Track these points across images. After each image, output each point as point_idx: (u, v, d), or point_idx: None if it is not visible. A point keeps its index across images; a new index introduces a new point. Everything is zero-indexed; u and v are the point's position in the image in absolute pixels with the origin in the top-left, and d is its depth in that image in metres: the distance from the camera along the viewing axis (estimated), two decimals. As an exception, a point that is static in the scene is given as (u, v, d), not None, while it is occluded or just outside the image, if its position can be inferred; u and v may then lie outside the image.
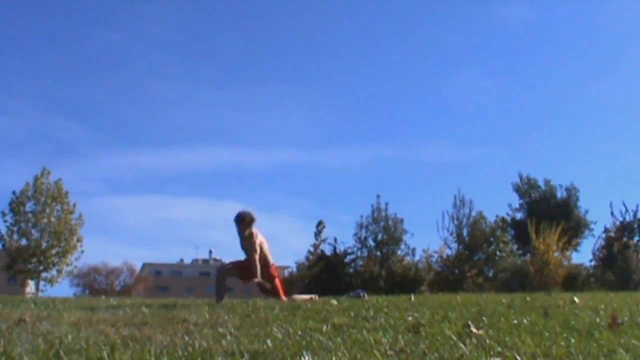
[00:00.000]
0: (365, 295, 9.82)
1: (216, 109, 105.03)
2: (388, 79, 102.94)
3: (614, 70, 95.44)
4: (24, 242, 31.89)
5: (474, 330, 4.09)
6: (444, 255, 30.24)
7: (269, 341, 3.68)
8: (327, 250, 30.61)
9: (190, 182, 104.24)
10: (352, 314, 5.95)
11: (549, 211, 32.70)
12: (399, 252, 30.21)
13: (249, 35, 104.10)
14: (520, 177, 37.46)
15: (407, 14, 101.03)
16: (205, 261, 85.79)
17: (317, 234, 34.19)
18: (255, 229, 8.49)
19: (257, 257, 8.38)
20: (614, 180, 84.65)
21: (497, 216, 33.70)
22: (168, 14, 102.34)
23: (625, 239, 29.19)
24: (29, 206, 32.18)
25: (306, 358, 3.04)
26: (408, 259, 30.12)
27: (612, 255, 28.02)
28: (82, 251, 32.80)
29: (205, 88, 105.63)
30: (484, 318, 5.27)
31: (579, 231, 34.38)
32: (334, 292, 16.25)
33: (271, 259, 8.67)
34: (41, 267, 31.94)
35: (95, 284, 60.26)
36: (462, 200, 30.65)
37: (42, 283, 32.72)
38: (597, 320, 5.00)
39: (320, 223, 34.82)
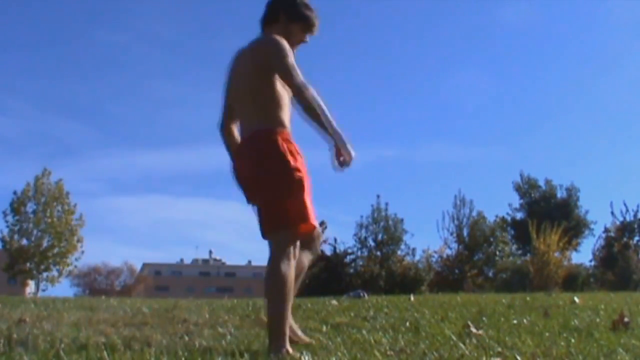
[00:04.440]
0: (365, 295, 9.83)
1: (216, 109, 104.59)
2: (388, 79, 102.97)
3: (614, 70, 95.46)
4: (24, 242, 31.93)
5: (474, 330, 4.09)
6: (444, 255, 30.23)
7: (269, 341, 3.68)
8: (327, 250, 30.60)
9: (191, 182, 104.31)
10: (352, 314, 5.95)
11: (549, 211, 32.69)
12: (399, 252, 30.17)
13: (249, 36, 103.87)
14: (521, 176, 37.49)
15: (407, 13, 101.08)
16: (205, 261, 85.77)
17: (317, 234, 34.06)
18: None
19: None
20: (614, 180, 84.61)
21: (496, 216, 33.73)
22: (168, 14, 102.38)
23: (625, 239, 29.17)
24: (30, 206, 32.24)
25: (306, 358, 3.04)
26: (408, 259, 30.08)
27: (612, 255, 27.99)
28: (83, 251, 32.87)
29: (205, 88, 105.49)
30: (484, 318, 5.27)
31: (579, 231, 34.35)
32: (334, 292, 16.24)
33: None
34: (42, 267, 31.97)
35: (96, 284, 60.31)
36: (462, 200, 30.65)
37: (42, 283, 32.78)
38: (597, 320, 5.00)
39: (321, 223, 34.71)
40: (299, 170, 3.29)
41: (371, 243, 30.15)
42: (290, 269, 3.21)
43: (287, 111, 3.42)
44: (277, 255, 3.21)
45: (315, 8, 3.58)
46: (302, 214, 3.30)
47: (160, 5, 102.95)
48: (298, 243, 3.33)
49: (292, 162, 3.28)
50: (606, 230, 30.39)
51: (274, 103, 3.38)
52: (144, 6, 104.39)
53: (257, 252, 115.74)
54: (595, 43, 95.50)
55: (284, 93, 3.41)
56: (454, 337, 3.73)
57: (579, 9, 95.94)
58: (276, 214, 3.27)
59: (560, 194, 36.54)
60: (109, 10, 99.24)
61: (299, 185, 3.28)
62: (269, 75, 3.36)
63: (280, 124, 3.38)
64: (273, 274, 3.19)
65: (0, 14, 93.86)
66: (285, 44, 3.36)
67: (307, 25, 3.53)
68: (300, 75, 3.29)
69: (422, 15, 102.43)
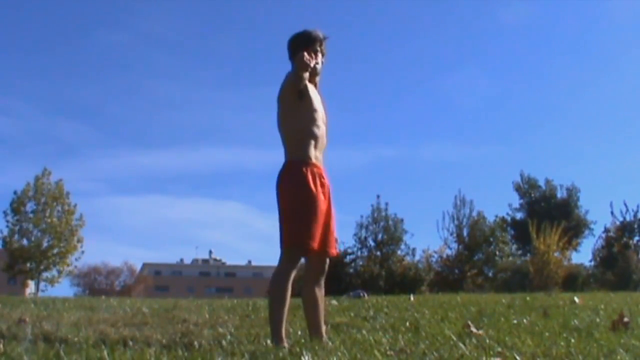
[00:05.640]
0: (365, 295, 9.83)
1: (216, 109, 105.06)
2: (388, 78, 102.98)
3: (614, 69, 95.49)
4: (24, 242, 31.90)
5: (474, 330, 4.09)
6: (444, 255, 30.22)
7: (269, 341, 3.68)
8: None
9: (191, 182, 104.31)
10: (352, 314, 5.96)
11: (549, 211, 32.68)
12: (399, 252, 30.16)
13: (249, 36, 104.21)
14: (521, 176, 37.49)
15: (407, 13, 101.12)
16: (205, 261, 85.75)
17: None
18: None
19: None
20: (614, 180, 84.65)
21: (496, 216, 33.71)
22: (169, 14, 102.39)
23: (625, 239, 29.16)
24: (30, 206, 32.21)
25: (306, 358, 3.04)
26: (408, 259, 30.07)
27: (612, 255, 27.99)
28: (83, 251, 32.85)
29: (205, 88, 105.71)
30: (484, 318, 5.27)
31: (579, 231, 34.33)
32: (334, 292, 16.24)
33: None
34: (42, 267, 31.94)
35: (96, 284, 60.30)
36: (462, 200, 30.63)
37: (42, 283, 32.75)
38: (597, 320, 5.00)
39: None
40: (313, 199, 3.70)
41: (371, 243, 30.12)
42: (288, 280, 3.66)
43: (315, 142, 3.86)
44: (281, 266, 3.70)
45: (314, 29, 3.98)
46: (304, 238, 3.66)
47: (160, 5, 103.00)
48: (297, 259, 3.75)
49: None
50: (606, 230, 30.39)
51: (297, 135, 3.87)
52: (144, 6, 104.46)
53: (257, 252, 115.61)
54: (595, 43, 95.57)
55: (310, 125, 3.83)
56: (454, 337, 3.73)
57: (579, 9, 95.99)
58: (284, 234, 3.73)
59: (561, 194, 36.56)
60: (109, 11, 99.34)
61: (307, 212, 3.68)
62: (283, 107, 3.89)
63: (305, 155, 3.82)
64: (273, 281, 3.70)
65: (0, 14, 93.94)
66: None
67: (309, 48, 3.91)
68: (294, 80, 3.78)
69: (422, 15, 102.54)
